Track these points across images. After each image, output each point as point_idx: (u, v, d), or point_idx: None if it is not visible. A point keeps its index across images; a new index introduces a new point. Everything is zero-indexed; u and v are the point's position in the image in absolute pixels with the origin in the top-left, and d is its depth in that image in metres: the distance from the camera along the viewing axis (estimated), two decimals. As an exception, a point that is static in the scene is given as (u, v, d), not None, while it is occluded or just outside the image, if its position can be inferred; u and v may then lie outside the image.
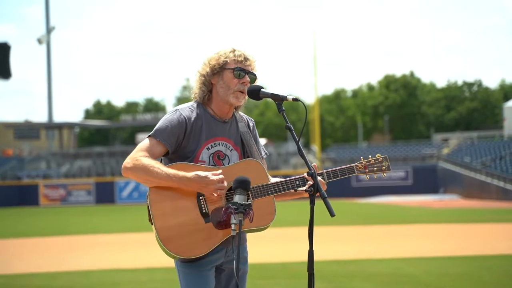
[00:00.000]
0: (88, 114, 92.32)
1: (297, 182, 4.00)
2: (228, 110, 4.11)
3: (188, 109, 4.06)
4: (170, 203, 3.89)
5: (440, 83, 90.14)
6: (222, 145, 4.08)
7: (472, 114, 75.01)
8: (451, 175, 44.40)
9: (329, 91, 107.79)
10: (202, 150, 4.02)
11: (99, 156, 57.83)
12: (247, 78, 4.04)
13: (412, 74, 77.82)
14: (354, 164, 4.14)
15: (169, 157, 4.04)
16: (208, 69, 4.05)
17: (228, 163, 4.07)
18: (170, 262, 11.36)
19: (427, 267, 11.44)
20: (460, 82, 79.01)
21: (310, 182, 3.84)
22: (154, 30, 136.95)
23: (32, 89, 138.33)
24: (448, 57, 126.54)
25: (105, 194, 45.88)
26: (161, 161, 4.07)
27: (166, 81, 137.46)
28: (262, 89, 3.98)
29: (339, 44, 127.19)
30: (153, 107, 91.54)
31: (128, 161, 3.91)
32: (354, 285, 9.90)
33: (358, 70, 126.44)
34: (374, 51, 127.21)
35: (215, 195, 3.86)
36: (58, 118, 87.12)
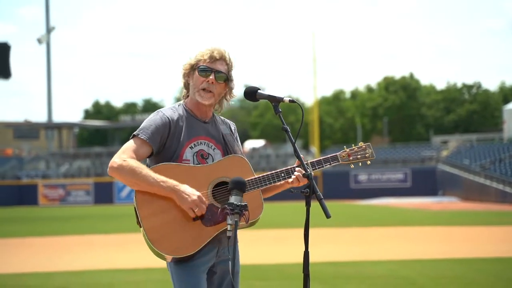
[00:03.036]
0: (87, 115, 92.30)
1: (282, 174, 4.05)
2: (205, 110, 4.14)
3: (170, 110, 4.11)
4: (157, 203, 3.89)
5: (440, 85, 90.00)
6: (204, 144, 4.10)
7: (471, 117, 74.97)
8: (450, 177, 44.41)
9: (328, 92, 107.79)
10: (186, 149, 4.05)
11: (98, 156, 57.81)
12: (212, 77, 4.04)
13: (411, 76, 77.79)
14: (337, 153, 4.16)
15: (154, 158, 4.05)
16: (184, 71, 4.13)
17: (212, 162, 4.09)
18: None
19: (423, 269, 11.43)
20: (459, 84, 79.00)
21: (298, 173, 3.90)
22: (153, 31, 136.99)
23: (32, 89, 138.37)
24: (448, 59, 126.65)
25: (103, 195, 45.89)
26: (146, 165, 4.08)
27: (165, 81, 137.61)
28: (259, 91, 4.00)
29: (338, 46, 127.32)
30: (152, 107, 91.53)
31: (115, 161, 3.91)
32: (349, 287, 9.89)
33: (357, 72, 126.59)
34: (373, 53, 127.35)
35: (191, 213, 3.86)
36: (57, 118, 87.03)
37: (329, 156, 4.16)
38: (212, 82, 4.03)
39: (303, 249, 3.75)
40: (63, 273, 11.86)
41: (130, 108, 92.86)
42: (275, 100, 3.97)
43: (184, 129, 4.05)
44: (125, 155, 3.92)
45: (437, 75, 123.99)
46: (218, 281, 4.08)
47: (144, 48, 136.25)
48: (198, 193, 3.86)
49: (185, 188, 3.86)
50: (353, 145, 4.23)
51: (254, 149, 58.64)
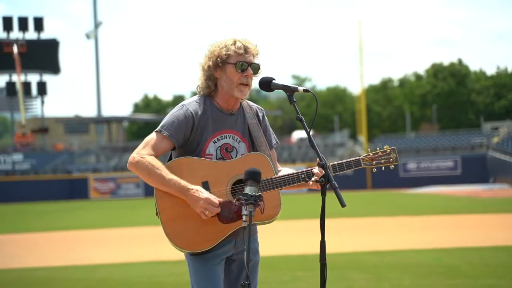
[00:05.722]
0: (136, 108, 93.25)
1: (303, 176, 3.99)
2: (234, 103, 4.09)
3: (194, 104, 4.05)
4: (176, 197, 3.90)
5: (490, 71, 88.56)
6: (229, 138, 4.07)
7: (523, 102, 73.52)
8: (501, 164, 43.70)
9: (376, 81, 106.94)
10: (209, 144, 4.02)
11: (147, 149, 58.27)
12: (250, 71, 4.01)
13: (460, 62, 76.65)
14: (360, 157, 4.10)
15: (177, 151, 4.06)
16: (210, 63, 4.02)
17: (236, 155, 4.06)
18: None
19: (468, 257, 11.29)
20: (510, 69, 77.52)
21: (316, 177, 3.84)
22: (200, 23, 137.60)
23: (82, 84, 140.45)
24: (498, 43, 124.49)
25: (153, 187, 46.28)
26: (170, 156, 4.09)
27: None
28: (273, 81, 3.98)
29: (385, 33, 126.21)
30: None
31: (134, 156, 3.94)
32: (391, 276, 9.82)
33: (405, 59, 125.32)
34: (421, 40, 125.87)
35: (202, 216, 3.87)
36: (107, 112, 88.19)
37: (351, 159, 4.08)
38: (251, 76, 4.02)
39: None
40: (106, 265, 12.02)
41: (178, 100, 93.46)
42: (289, 90, 3.94)
43: (208, 123, 4.02)
44: (144, 151, 3.94)
45: (486, 60, 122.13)
46: (237, 269, 4.09)
47: (192, 40, 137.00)
48: (205, 196, 3.84)
49: (195, 192, 3.85)
50: (377, 148, 4.15)
51: (301, 140, 58.57)
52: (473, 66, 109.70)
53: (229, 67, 3.99)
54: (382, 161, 4.11)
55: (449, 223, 18.20)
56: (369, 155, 4.12)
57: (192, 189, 3.85)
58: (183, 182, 3.86)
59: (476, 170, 45.34)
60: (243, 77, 3.99)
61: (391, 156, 4.11)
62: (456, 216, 20.23)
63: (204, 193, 3.85)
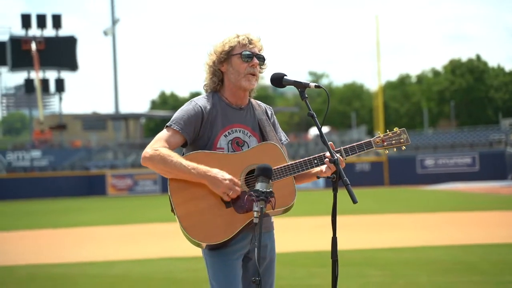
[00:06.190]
0: (154, 105, 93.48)
1: (315, 161, 4.00)
2: (243, 96, 4.12)
3: (203, 99, 4.12)
4: (190, 191, 3.92)
5: (508, 67, 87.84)
6: (240, 132, 4.10)
7: (541, 98, 72.94)
8: (520, 160, 43.42)
9: (393, 77, 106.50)
10: (220, 138, 4.05)
11: (165, 146, 58.31)
12: (255, 60, 4.06)
13: (478, 58, 76.14)
14: (371, 139, 4.10)
15: (189, 147, 4.07)
16: (215, 58, 4.08)
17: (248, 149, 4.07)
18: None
19: (485, 254, 11.22)
20: (529, 65, 76.88)
21: (327, 159, 3.84)
22: (216, 20, 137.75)
23: (99, 81, 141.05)
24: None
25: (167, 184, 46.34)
26: (182, 154, 4.10)
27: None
28: (285, 77, 3.99)
29: (403, 29, 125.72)
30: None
31: (147, 151, 3.96)
32: (407, 272, 9.79)
33: (422, 55, 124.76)
34: (439, 35, 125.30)
35: (225, 197, 3.89)
36: (124, 109, 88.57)
37: (362, 142, 4.09)
38: (257, 66, 4.05)
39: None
40: (123, 261, 12.06)
41: (195, 97, 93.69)
42: (301, 86, 3.95)
43: (218, 117, 4.06)
44: (157, 145, 3.97)
45: (505, 56, 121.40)
46: (253, 267, 4.08)
47: (208, 37, 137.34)
48: (230, 176, 3.87)
49: (217, 173, 3.87)
50: (387, 130, 4.15)
51: (318, 136, 58.46)
52: (492, 62, 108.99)
53: (235, 58, 4.05)
54: (393, 141, 4.11)
55: (467, 219, 18.11)
56: (379, 137, 4.13)
57: (213, 170, 3.88)
58: (201, 166, 3.89)
59: (494, 167, 45.10)
60: (250, 67, 4.04)
61: (401, 137, 4.11)
62: (474, 213, 20.13)
63: (228, 174, 3.88)
